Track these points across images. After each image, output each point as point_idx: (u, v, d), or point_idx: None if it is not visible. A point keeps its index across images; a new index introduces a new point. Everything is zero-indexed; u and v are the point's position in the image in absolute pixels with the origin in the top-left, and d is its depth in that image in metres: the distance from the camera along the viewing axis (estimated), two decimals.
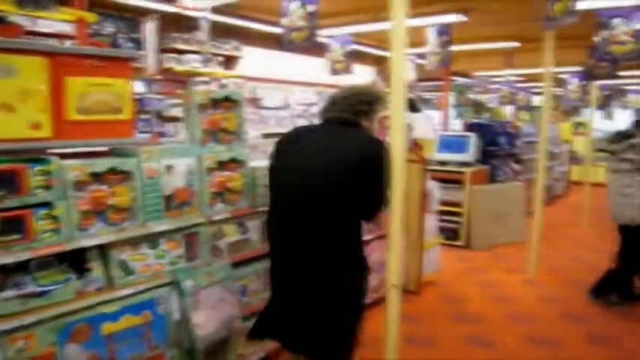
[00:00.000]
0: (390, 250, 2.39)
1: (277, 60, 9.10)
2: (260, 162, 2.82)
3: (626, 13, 4.72)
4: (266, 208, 2.36)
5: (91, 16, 3.76)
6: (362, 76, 11.29)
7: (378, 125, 2.41)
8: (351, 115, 2.27)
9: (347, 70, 7.06)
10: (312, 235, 2.14)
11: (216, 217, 2.68)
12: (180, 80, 7.68)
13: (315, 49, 5.76)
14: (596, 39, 4.95)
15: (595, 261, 5.37)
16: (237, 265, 2.83)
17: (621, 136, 4.05)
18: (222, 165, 2.69)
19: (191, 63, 7.62)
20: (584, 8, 5.34)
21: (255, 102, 8.64)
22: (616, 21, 4.76)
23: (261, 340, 2.66)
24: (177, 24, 7.54)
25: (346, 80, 9.94)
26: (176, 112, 6.76)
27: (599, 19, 4.83)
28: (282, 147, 2.33)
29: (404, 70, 2.28)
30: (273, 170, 2.32)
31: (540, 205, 4.96)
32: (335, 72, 7.18)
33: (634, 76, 12.95)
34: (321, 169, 2.11)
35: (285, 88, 9.11)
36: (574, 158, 10.85)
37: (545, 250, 5.45)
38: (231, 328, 2.69)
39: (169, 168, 2.45)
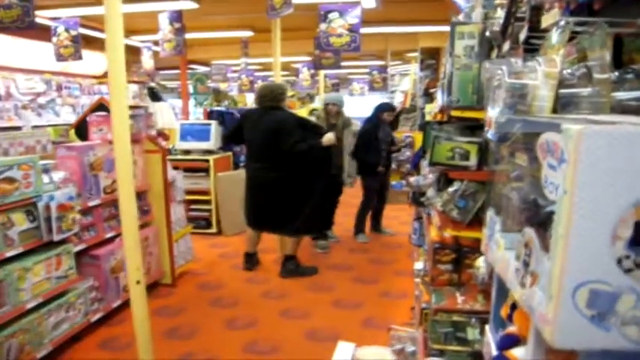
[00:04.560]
0: (127, 245, 2.23)
1: None
2: None
3: (341, 8, 5.17)
4: None
5: None
6: (94, 63, 10.32)
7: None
8: (276, 102, 4.34)
9: (75, 56, 6.31)
10: (265, 164, 4.29)
11: None
12: None
13: (38, 31, 5.05)
14: (318, 31, 5.34)
15: None
16: None
17: None
18: None
19: None
20: (304, 2, 5.81)
21: None
22: (333, 15, 5.15)
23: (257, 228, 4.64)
24: None
25: (74, 66, 8.95)
26: None
27: (319, 12, 5.19)
28: (246, 120, 4.53)
29: (121, 55, 2.13)
30: (243, 132, 4.49)
31: None
32: (61, 58, 6.37)
33: (356, 66, 14.79)
34: (264, 130, 4.24)
35: (5, 76, 7.82)
36: None
37: None
38: None
39: None
